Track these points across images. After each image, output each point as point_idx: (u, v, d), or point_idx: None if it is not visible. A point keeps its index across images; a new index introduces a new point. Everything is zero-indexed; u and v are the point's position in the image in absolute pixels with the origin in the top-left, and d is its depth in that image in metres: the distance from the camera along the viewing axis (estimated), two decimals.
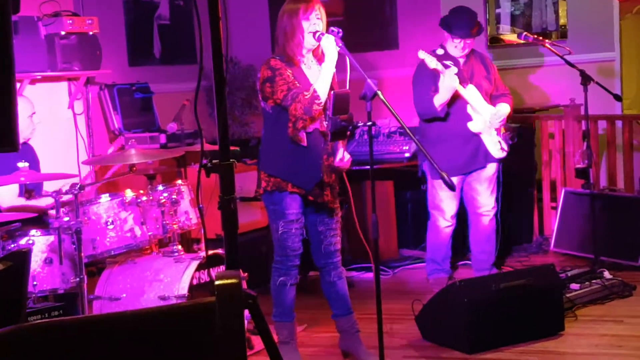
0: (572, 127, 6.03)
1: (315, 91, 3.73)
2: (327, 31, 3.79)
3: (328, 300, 4.11)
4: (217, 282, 1.67)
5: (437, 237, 5.22)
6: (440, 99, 4.89)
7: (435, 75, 4.91)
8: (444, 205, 5.12)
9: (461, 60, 5.04)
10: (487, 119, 4.99)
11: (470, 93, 4.96)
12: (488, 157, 5.07)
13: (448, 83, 4.83)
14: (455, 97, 4.93)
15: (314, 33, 3.77)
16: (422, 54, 4.86)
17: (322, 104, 3.75)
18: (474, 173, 5.11)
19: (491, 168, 5.12)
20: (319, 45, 3.82)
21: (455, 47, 4.99)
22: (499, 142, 5.05)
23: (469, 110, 4.97)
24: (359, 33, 6.90)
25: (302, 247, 3.97)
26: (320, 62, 3.87)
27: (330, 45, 3.73)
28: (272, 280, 4.00)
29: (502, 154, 5.08)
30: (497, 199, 5.23)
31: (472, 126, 4.99)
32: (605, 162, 6.14)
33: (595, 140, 5.95)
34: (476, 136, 5.02)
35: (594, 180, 5.45)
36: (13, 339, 1.55)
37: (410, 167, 5.83)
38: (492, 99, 5.11)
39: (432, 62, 4.83)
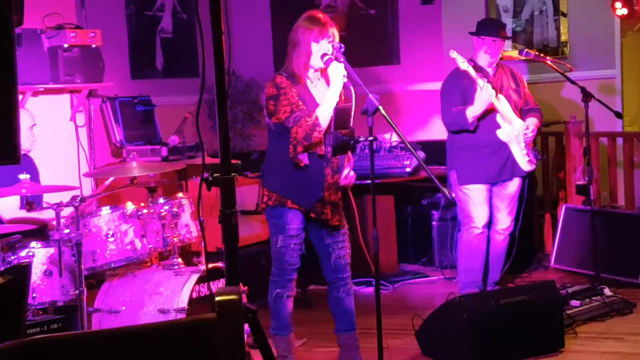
0: (573, 144, 6.03)
1: (317, 118, 3.72)
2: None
3: (333, 315, 4.09)
4: (217, 298, 1.67)
5: (470, 247, 5.05)
6: (474, 112, 4.83)
7: (464, 85, 4.88)
8: (475, 212, 5.00)
9: (490, 72, 5.01)
10: (516, 130, 4.95)
11: (501, 103, 4.92)
12: (515, 170, 5.00)
13: (486, 95, 4.77)
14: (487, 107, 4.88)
15: (323, 55, 3.77)
16: (453, 54, 4.79)
17: (323, 131, 3.74)
18: (496, 188, 5.03)
19: (514, 184, 5.05)
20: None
21: (485, 52, 4.96)
22: (528, 154, 4.99)
23: (498, 118, 4.91)
24: (361, 48, 6.90)
25: (299, 262, 3.96)
26: (327, 81, 3.86)
27: (336, 74, 3.72)
28: (269, 292, 4.00)
29: (530, 167, 5.02)
30: (515, 218, 5.14)
31: (501, 134, 4.92)
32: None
33: (596, 157, 5.95)
34: (505, 146, 4.95)
35: (594, 197, 5.45)
36: (14, 355, 1.55)
37: (412, 182, 5.84)
38: (522, 113, 5.08)
39: (463, 63, 4.77)
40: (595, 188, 5.63)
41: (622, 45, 6.66)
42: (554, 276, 5.54)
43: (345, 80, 3.71)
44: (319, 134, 3.73)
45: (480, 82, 4.79)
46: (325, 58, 3.75)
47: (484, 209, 5.02)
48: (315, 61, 3.80)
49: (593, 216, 5.36)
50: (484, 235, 5.07)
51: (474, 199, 4.99)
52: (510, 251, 5.21)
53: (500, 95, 4.95)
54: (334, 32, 3.82)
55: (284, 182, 3.87)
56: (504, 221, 5.09)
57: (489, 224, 5.10)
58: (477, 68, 4.97)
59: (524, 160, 4.99)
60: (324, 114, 3.73)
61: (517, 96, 5.08)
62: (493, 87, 4.90)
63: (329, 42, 3.78)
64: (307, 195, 3.85)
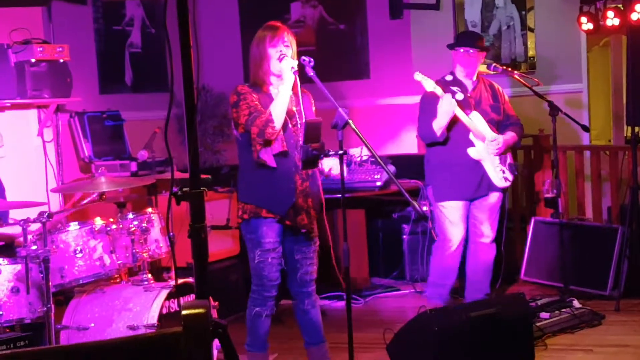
0: (541, 158, 6.09)
1: (270, 114, 3.73)
2: (299, 59, 3.81)
3: (301, 329, 4.09)
4: (183, 312, 1.65)
5: (443, 262, 5.06)
6: (438, 123, 4.85)
7: (438, 100, 4.87)
8: (451, 229, 4.99)
9: (470, 86, 5.01)
10: (488, 147, 4.95)
11: (473, 120, 4.92)
12: (491, 186, 5.00)
13: (445, 108, 4.79)
14: (459, 124, 4.89)
15: (279, 57, 3.80)
16: (418, 76, 4.80)
17: (277, 127, 3.74)
18: (477, 201, 5.03)
19: (494, 197, 5.04)
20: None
21: (460, 63, 4.95)
22: (502, 170, 5.00)
23: (471, 137, 4.93)
24: (331, 63, 6.94)
25: (279, 278, 3.95)
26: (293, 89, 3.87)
27: (287, 68, 3.75)
28: (248, 309, 3.98)
29: (505, 184, 5.02)
30: (500, 230, 5.16)
31: (472, 152, 4.93)
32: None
33: (564, 170, 6.01)
34: (479, 163, 4.96)
35: (562, 210, 5.49)
36: None
37: (382, 195, 5.85)
38: (501, 128, 5.08)
39: (428, 85, 4.78)
40: (563, 201, 5.68)
41: (588, 60, 6.75)
42: (523, 288, 5.57)
43: (294, 71, 3.73)
44: (272, 129, 3.73)
45: (439, 92, 4.80)
46: (280, 55, 3.78)
47: (460, 228, 5.01)
48: (275, 65, 3.82)
49: (561, 229, 5.41)
50: (458, 253, 5.05)
51: (450, 218, 4.99)
52: (500, 265, 5.16)
53: (474, 112, 4.94)
54: (291, 38, 3.86)
55: (256, 192, 3.87)
56: (487, 232, 5.08)
57: (467, 240, 5.09)
58: (456, 81, 4.98)
59: (497, 177, 4.99)
60: (277, 110, 3.74)
61: (495, 112, 5.07)
62: (469, 103, 4.92)
63: (285, 46, 3.82)
64: (280, 201, 3.85)
